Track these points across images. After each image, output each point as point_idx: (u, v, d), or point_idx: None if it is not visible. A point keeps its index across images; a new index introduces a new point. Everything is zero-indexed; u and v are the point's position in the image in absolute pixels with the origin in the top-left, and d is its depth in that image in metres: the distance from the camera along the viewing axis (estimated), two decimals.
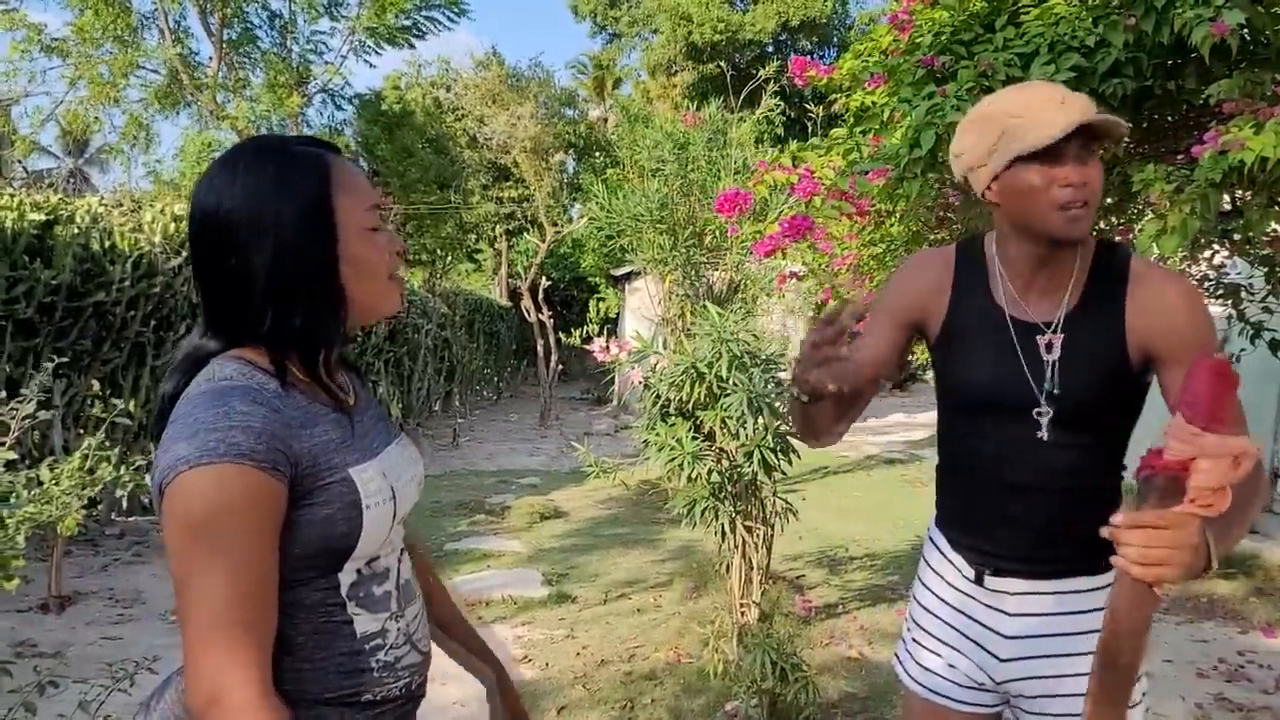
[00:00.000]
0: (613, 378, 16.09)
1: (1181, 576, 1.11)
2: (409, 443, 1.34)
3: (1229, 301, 5.01)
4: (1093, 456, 1.55)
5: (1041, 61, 2.69)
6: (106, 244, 6.06)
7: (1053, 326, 1.53)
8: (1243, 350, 5.12)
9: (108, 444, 2.74)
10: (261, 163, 1.14)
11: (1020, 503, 1.57)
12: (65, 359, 4.28)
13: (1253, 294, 4.91)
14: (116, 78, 10.77)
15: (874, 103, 3.52)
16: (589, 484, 8.64)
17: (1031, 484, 1.55)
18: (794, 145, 3.82)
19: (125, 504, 6.14)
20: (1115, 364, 1.50)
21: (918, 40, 3.12)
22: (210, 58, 11.11)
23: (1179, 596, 5.34)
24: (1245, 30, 2.33)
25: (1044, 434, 1.53)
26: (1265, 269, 4.22)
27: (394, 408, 12.08)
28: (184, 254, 6.69)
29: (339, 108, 12.73)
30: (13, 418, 2.32)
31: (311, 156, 1.17)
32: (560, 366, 15.80)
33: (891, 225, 3.92)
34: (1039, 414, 1.53)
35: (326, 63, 11.70)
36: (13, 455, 2.05)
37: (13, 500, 1.83)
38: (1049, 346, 1.53)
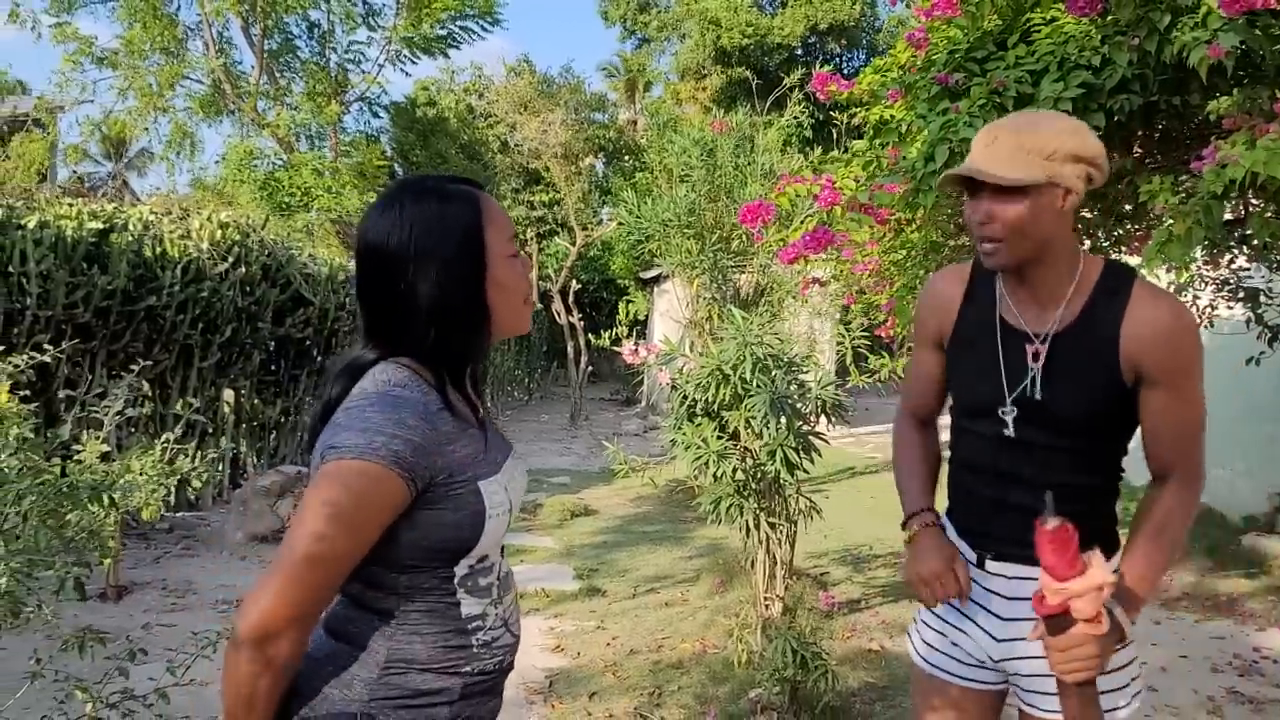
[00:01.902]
0: (642, 379, 16.27)
1: (1101, 665, 1.47)
2: (520, 457, 1.51)
3: (1249, 305, 5.10)
4: (1074, 460, 1.68)
5: (1051, 79, 2.81)
6: (157, 250, 6.32)
7: (1042, 337, 1.67)
8: (1262, 354, 5.20)
9: (180, 439, 2.96)
10: (426, 200, 1.33)
11: (1006, 494, 1.72)
12: (136, 364, 4.50)
13: (1271, 298, 4.99)
14: (163, 88, 11.12)
15: (892, 116, 3.66)
16: (618, 483, 8.81)
17: (1013, 478, 1.70)
18: (816, 156, 3.97)
19: (173, 500, 6.40)
20: (1106, 378, 1.62)
21: (933, 57, 3.25)
22: (252, 67, 11.43)
23: (1196, 594, 5.43)
24: (1243, 49, 2.45)
25: (1010, 432, 1.68)
26: None
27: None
28: (230, 260, 6.94)
29: (375, 115, 13.01)
30: (105, 414, 2.52)
31: (465, 194, 1.35)
32: (590, 368, 15.98)
33: (911, 233, 4.06)
34: (1003, 413, 1.68)
35: (364, 72, 11.99)
36: (106, 448, 2.25)
37: (118, 485, 2.03)
38: (1035, 355, 1.67)
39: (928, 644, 1.87)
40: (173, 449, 2.47)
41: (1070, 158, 1.54)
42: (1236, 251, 4.73)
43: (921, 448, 1.96)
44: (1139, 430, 1.71)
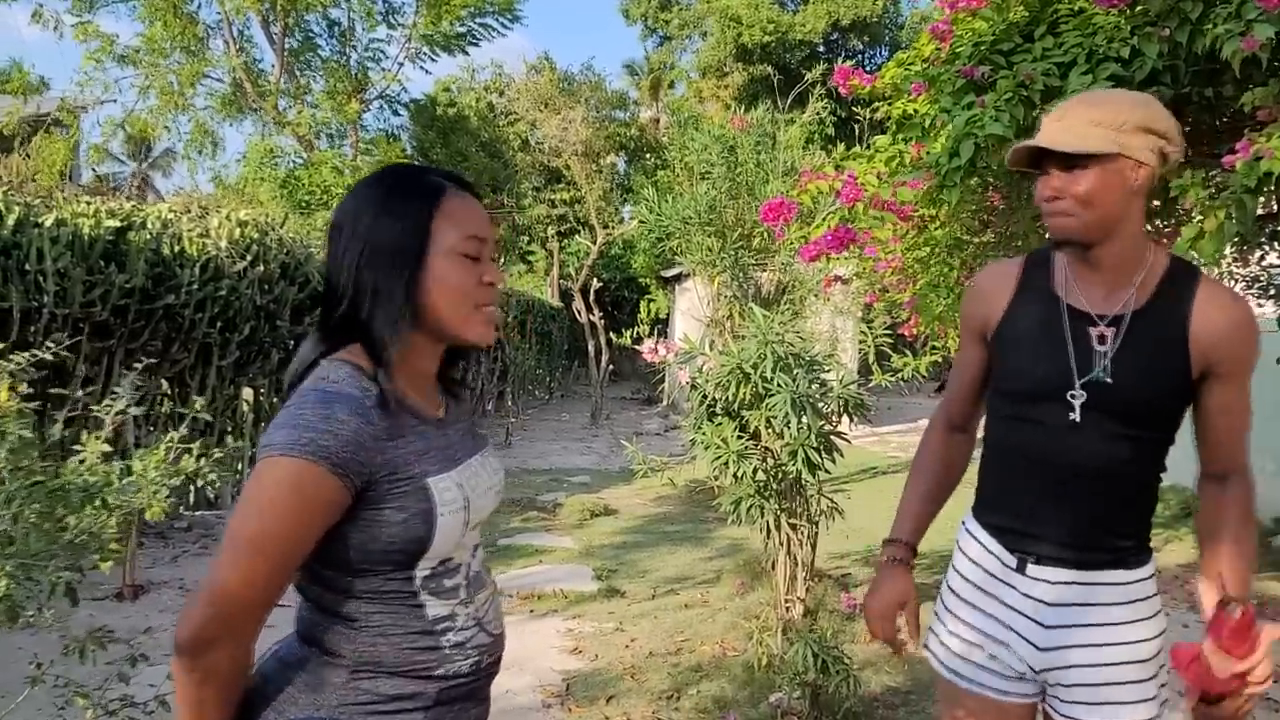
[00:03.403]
0: (663, 378, 16.22)
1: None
2: (493, 454, 1.47)
3: (1279, 302, 4.99)
4: (1135, 450, 1.63)
5: (1079, 71, 2.75)
6: (176, 249, 6.32)
7: (1108, 320, 1.62)
8: None
9: (185, 437, 2.94)
10: (382, 180, 1.32)
11: (1062, 487, 1.65)
12: (140, 361, 4.50)
13: None
14: (184, 86, 11.17)
15: (916, 110, 3.60)
16: (639, 483, 8.77)
17: (1072, 468, 1.63)
18: (838, 152, 3.90)
19: (192, 499, 6.41)
20: (1174, 367, 1.59)
21: (958, 50, 3.19)
22: (272, 66, 11.47)
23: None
24: (1279, 40, 2.37)
25: (1076, 416, 1.61)
26: None
27: (467, 402, 12.25)
28: (248, 258, 6.94)
29: (395, 113, 13.02)
30: (107, 413, 2.50)
31: (430, 183, 1.33)
32: (611, 367, 15.96)
33: (935, 230, 3.99)
34: (1072, 396, 1.61)
35: (384, 70, 12.00)
36: (108, 448, 2.23)
37: (114, 487, 2.01)
38: (1101, 338, 1.62)
39: (959, 656, 1.76)
40: (178, 448, 2.44)
41: (1140, 129, 1.52)
42: (1267, 248, 4.63)
43: (940, 465, 1.91)
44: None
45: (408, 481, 1.24)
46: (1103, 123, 1.52)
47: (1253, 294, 5.24)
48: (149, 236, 6.11)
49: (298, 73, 11.68)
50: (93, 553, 2.05)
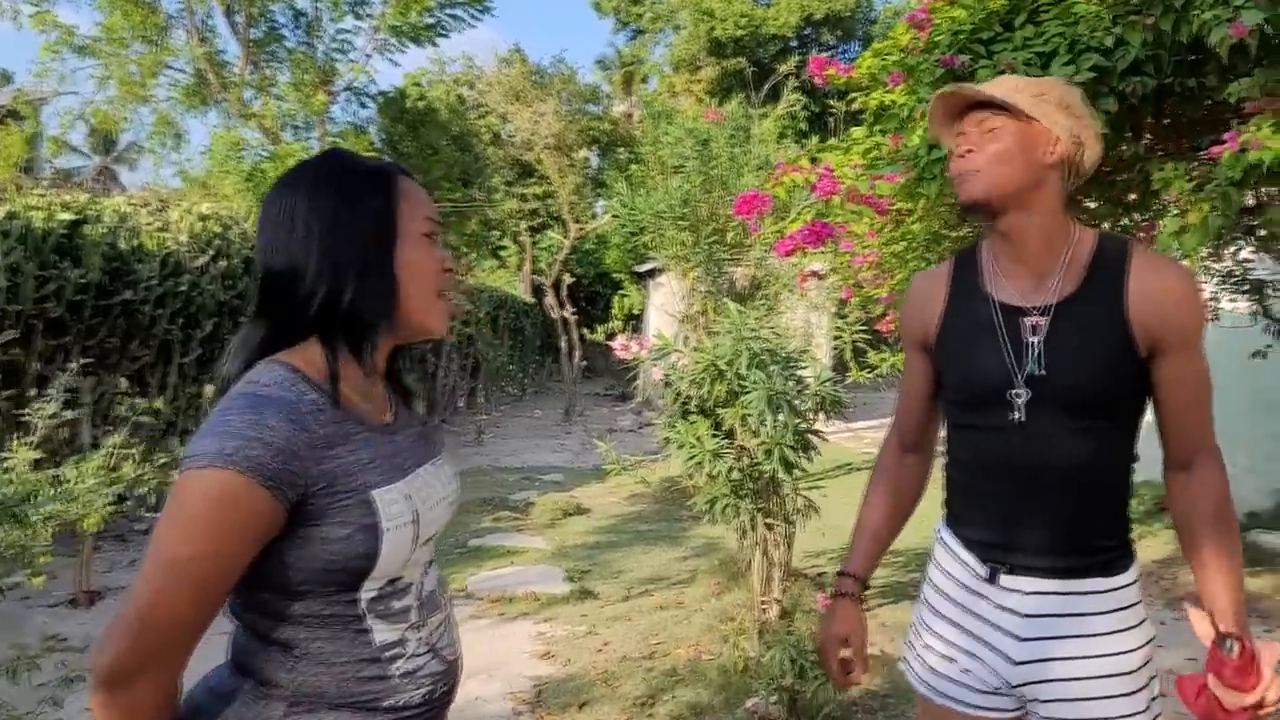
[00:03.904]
0: (636, 374, 16.10)
1: None
2: (446, 463, 1.36)
3: (1254, 298, 4.98)
4: (1093, 443, 1.54)
5: (1061, 61, 2.68)
6: (134, 243, 6.15)
7: (1040, 310, 1.55)
8: (1269, 347, 5.08)
9: (134, 441, 2.80)
10: (332, 163, 1.24)
11: (1025, 492, 1.57)
12: (93, 358, 4.35)
13: (1278, 290, 4.87)
14: (145, 77, 10.90)
15: (893, 101, 3.52)
16: (612, 481, 8.67)
17: (1030, 471, 1.56)
18: (813, 144, 3.82)
19: (154, 500, 6.24)
20: (1115, 349, 1.51)
21: (936, 39, 3.11)
22: (236, 57, 11.22)
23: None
24: (1266, 27, 2.31)
25: (1021, 416, 1.54)
26: None
27: (419, 404, 12.13)
28: (210, 252, 6.77)
29: (363, 105, 12.79)
30: (39, 417, 2.37)
31: (380, 165, 1.26)
32: (585, 363, 15.83)
33: (912, 224, 3.91)
34: (1015, 395, 1.54)
35: (351, 61, 11.76)
36: (38, 455, 2.10)
37: (38, 499, 1.88)
38: (1034, 328, 1.55)
39: (934, 670, 1.70)
40: (118, 454, 2.31)
41: (1060, 105, 1.53)
42: (1242, 243, 4.61)
43: (892, 489, 1.86)
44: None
45: (349, 494, 1.13)
46: (1024, 90, 1.53)
47: (1226, 289, 5.22)
48: (105, 230, 5.94)
49: (263, 64, 11.44)
50: (23, 566, 1.92)
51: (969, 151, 1.55)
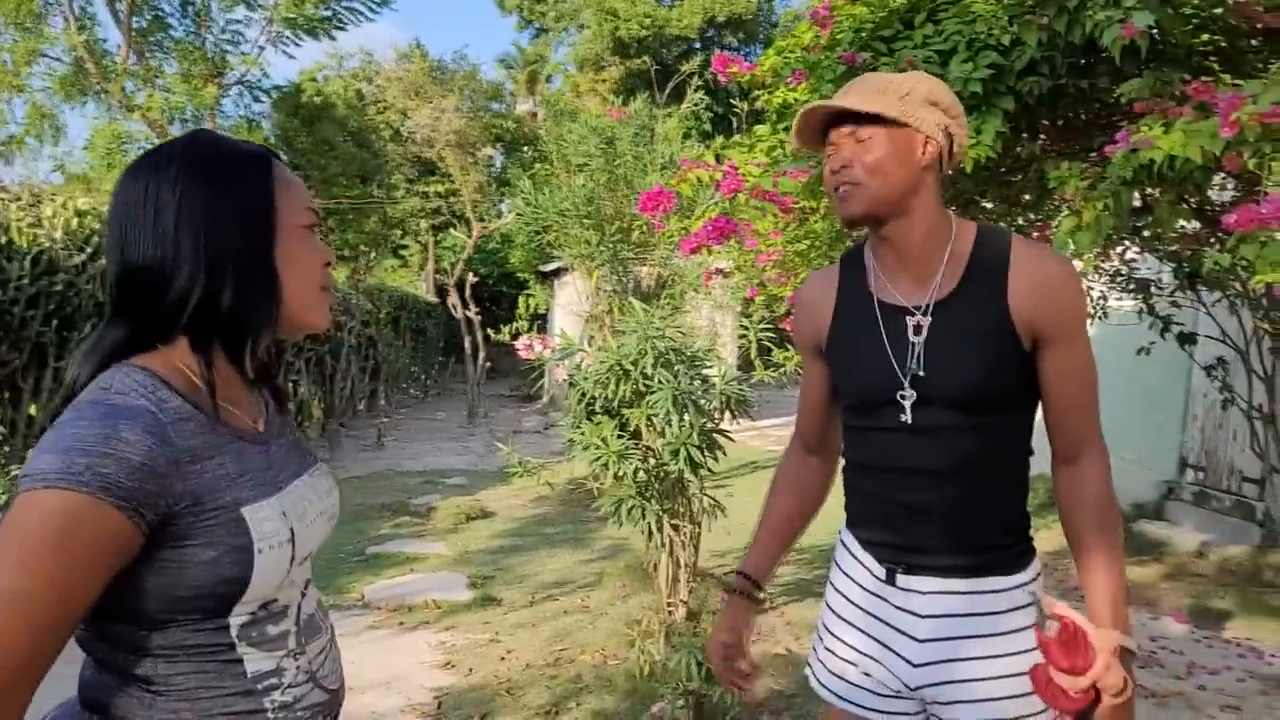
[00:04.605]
0: (541, 375, 15.95)
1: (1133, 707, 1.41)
2: (324, 473, 1.25)
3: (1140, 296, 5.14)
4: (983, 439, 1.52)
5: (960, 59, 2.70)
6: (3, 240, 5.78)
7: (923, 309, 1.53)
8: (1152, 343, 5.26)
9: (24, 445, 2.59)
10: (200, 148, 1.10)
11: (918, 491, 1.55)
12: None
13: (1162, 289, 5.04)
14: (19, 65, 10.31)
15: (796, 99, 3.51)
16: (517, 483, 8.53)
17: (922, 470, 1.54)
18: (718, 142, 3.80)
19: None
20: (998, 343, 1.48)
21: (839, 36, 3.12)
22: (119, 46, 10.71)
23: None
24: (1155, 30, 2.36)
25: (908, 417, 1.52)
26: (1173, 265, 4.32)
27: (315, 408, 11.78)
28: (88, 250, 6.42)
29: (257, 99, 12.34)
30: None
31: (254, 150, 1.15)
32: (489, 364, 15.61)
33: (815, 222, 3.92)
34: (902, 397, 1.52)
35: (243, 53, 11.34)
36: None
37: None
38: (917, 328, 1.52)
39: (834, 674, 1.67)
40: None
41: (925, 101, 1.49)
42: (1129, 243, 4.75)
43: (793, 491, 1.85)
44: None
45: (216, 513, 1.01)
46: (888, 92, 1.48)
47: (1114, 288, 5.39)
48: None
49: (148, 54, 10.94)
50: None
51: (843, 166, 1.50)
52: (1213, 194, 3.30)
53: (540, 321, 19.50)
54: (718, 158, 3.69)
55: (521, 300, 15.68)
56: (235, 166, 1.10)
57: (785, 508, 1.83)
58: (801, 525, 1.85)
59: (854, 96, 1.50)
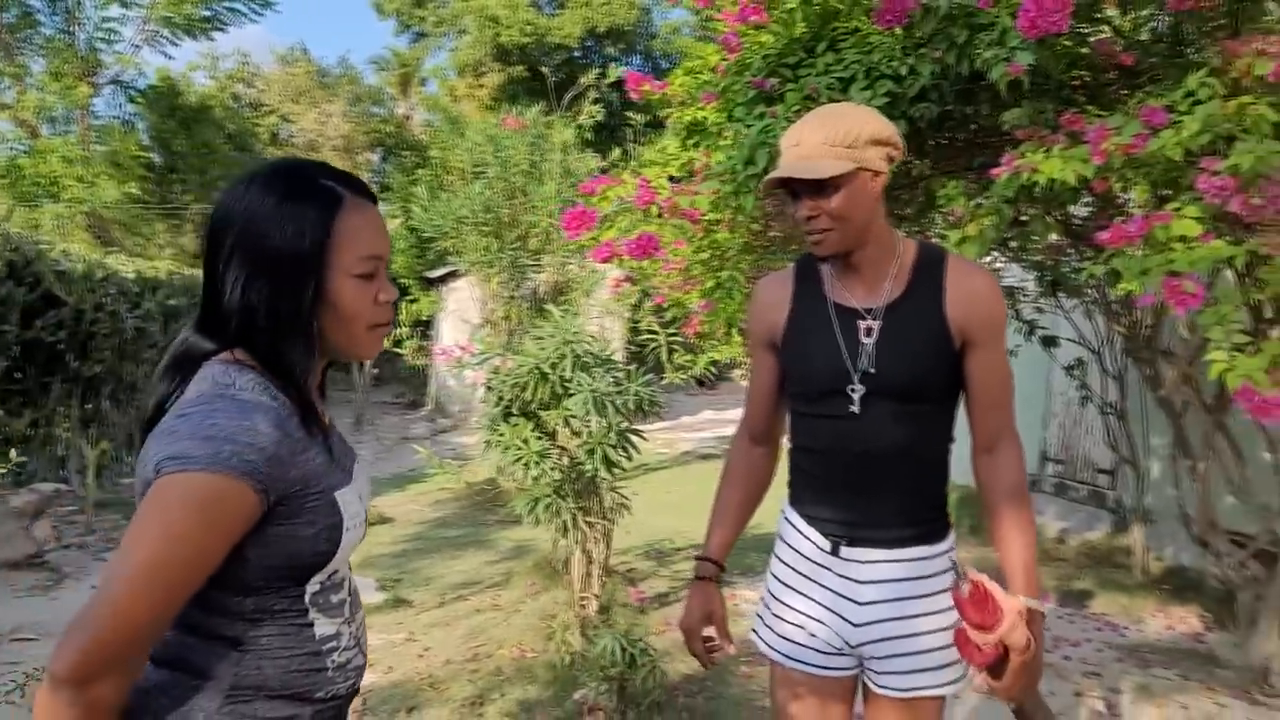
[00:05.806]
0: (427, 381, 15.83)
1: (1041, 667, 1.66)
2: (363, 460, 1.39)
3: (1005, 302, 5.58)
4: (919, 425, 1.76)
5: (859, 87, 2.95)
6: None
7: (874, 313, 1.76)
8: (1018, 346, 5.71)
9: None
10: (275, 179, 1.19)
11: (860, 473, 1.77)
12: None
13: (1026, 295, 5.48)
14: None
15: (705, 119, 3.74)
16: (412, 489, 8.55)
17: (865, 455, 1.76)
18: (638, 158, 3.99)
19: None
20: (937, 345, 1.73)
21: (748, 61, 3.33)
22: None
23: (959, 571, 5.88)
24: (1034, 67, 2.66)
25: (855, 408, 1.75)
26: (1036, 273, 4.72)
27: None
28: None
29: (132, 100, 11.88)
30: None
31: (325, 191, 1.20)
32: (375, 370, 15.41)
33: (719, 235, 4.15)
34: (852, 390, 1.75)
35: (118, 52, 10.95)
36: None
37: None
38: (868, 330, 1.75)
39: (783, 638, 1.87)
40: None
41: (871, 142, 1.66)
42: (996, 253, 5.16)
43: (744, 478, 2.03)
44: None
45: (318, 495, 1.17)
46: (838, 142, 1.64)
47: None
48: None
49: (15, 51, 10.45)
50: None
51: (810, 217, 1.69)
52: (1073, 210, 3.66)
53: (423, 328, 19.31)
54: (635, 173, 3.88)
55: (404, 307, 15.51)
56: (294, 207, 1.16)
57: (736, 496, 2.02)
58: (751, 511, 2.04)
59: (809, 160, 1.65)
